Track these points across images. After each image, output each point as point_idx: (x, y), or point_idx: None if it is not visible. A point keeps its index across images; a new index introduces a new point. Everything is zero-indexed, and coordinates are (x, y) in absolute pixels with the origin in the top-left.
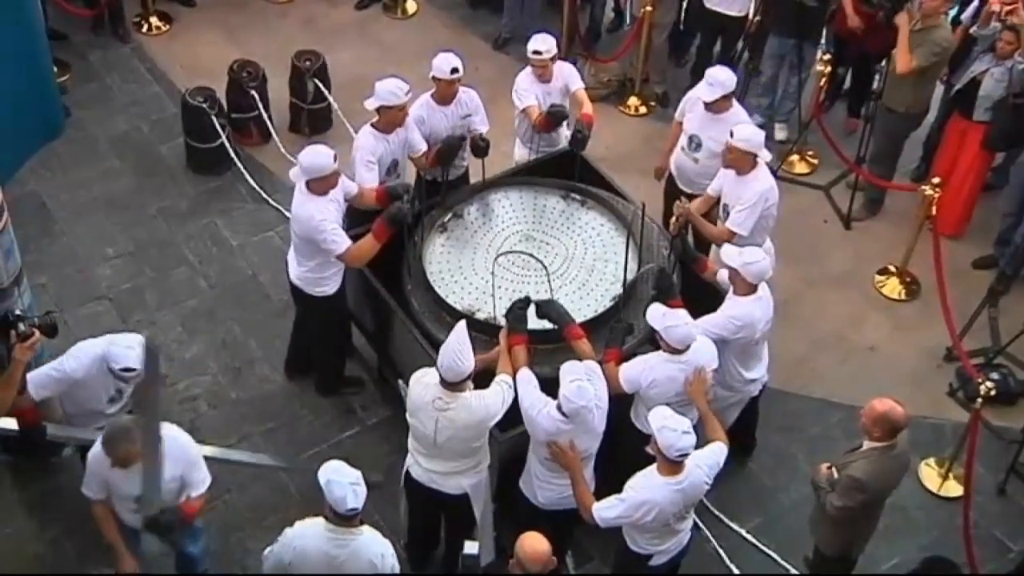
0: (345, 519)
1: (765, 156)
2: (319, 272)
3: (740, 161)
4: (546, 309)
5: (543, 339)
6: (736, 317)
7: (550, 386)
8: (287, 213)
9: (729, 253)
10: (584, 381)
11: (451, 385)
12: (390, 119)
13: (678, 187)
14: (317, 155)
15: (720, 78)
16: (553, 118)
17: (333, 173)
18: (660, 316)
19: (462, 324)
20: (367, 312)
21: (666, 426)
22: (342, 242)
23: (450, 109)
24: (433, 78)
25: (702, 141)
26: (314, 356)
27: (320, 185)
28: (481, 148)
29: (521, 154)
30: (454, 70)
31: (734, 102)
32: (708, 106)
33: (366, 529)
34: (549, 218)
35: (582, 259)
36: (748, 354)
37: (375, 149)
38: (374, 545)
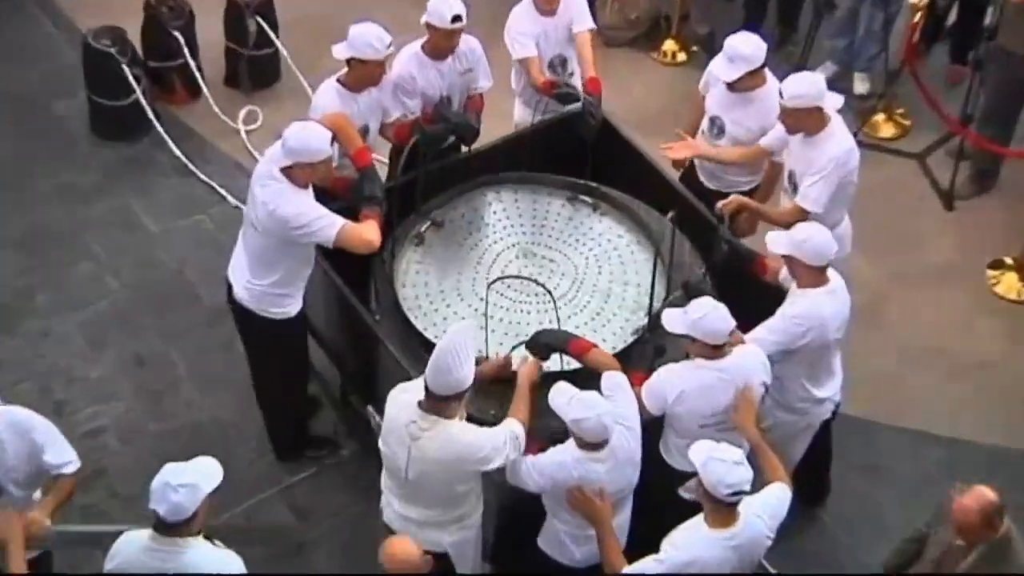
0: (169, 528)
1: (834, 102)
2: (282, 286)
3: (803, 121)
4: (536, 342)
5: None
6: (800, 316)
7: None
8: (222, 191)
9: (775, 239)
10: (579, 393)
11: (436, 402)
12: (363, 75)
13: (699, 182)
14: (311, 135)
15: (742, 51)
16: (561, 101)
17: (327, 160)
18: (685, 312)
19: (468, 324)
20: (329, 322)
21: (712, 456)
22: (333, 220)
23: (446, 64)
24: (427, 25)
25: (725, 125)
26: (265, 403)
27: (307, 174)
28: (469, 132)
29: (523, 116)
30: (456, 18)
31: (767, 76)
32: (731, 86)
33: (197, 541)
34: (553, 227)
35: (595, 281)
36: (818, 365)
37: (340, 112)
38: (209, 560)
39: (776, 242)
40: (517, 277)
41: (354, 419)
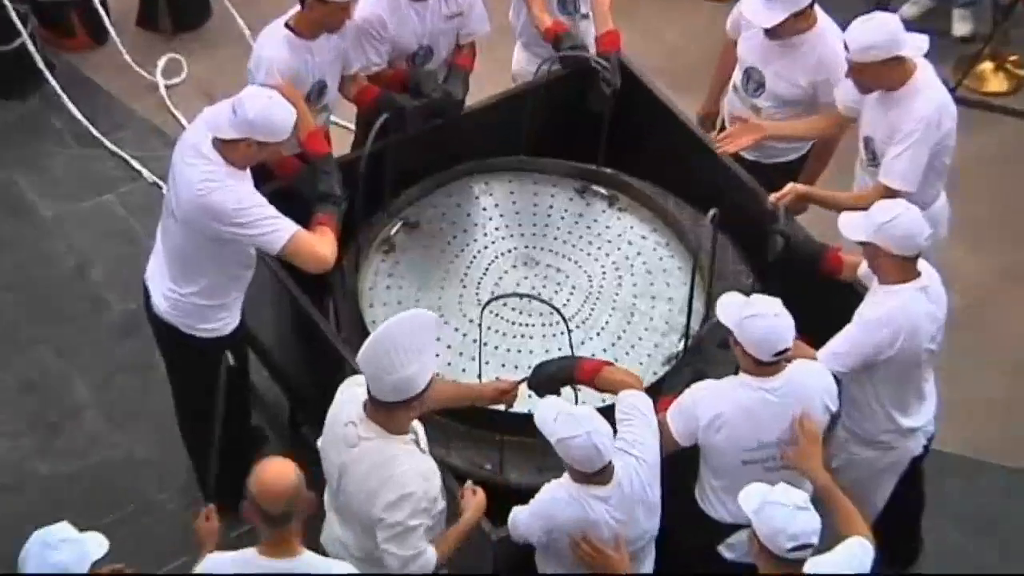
0: None
1: (917, 45)
2: (212, 295)
3: (880, 77)
4: (539, 378)
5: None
6: (883, 320)
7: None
8: (135, 164)
9: (851, 222)
10: (571, 409)
11: (376, 408)
12: (321, 19)
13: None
14: (277, 108)
15: None
16: (564, 65)
17: (284, 143)
18: (734, 305)
19: (419, 312)
20: (278, 338)
21: (769, 500)
22: (283, 225)
23: (428, 6)
24: None
25: (764, 79)
26: (193, 439)
27: (252, 154)
28: (453, 109)
29: (523, 64)
30: None
31: (817, 13)
32: (770, 32)
33: None
34: (560, 228)
35: (615, 296)
36: (905, 385)
37: (289, 64)
38: None
39: (852, 226)
40: (516, 295)
41: (307, 456)
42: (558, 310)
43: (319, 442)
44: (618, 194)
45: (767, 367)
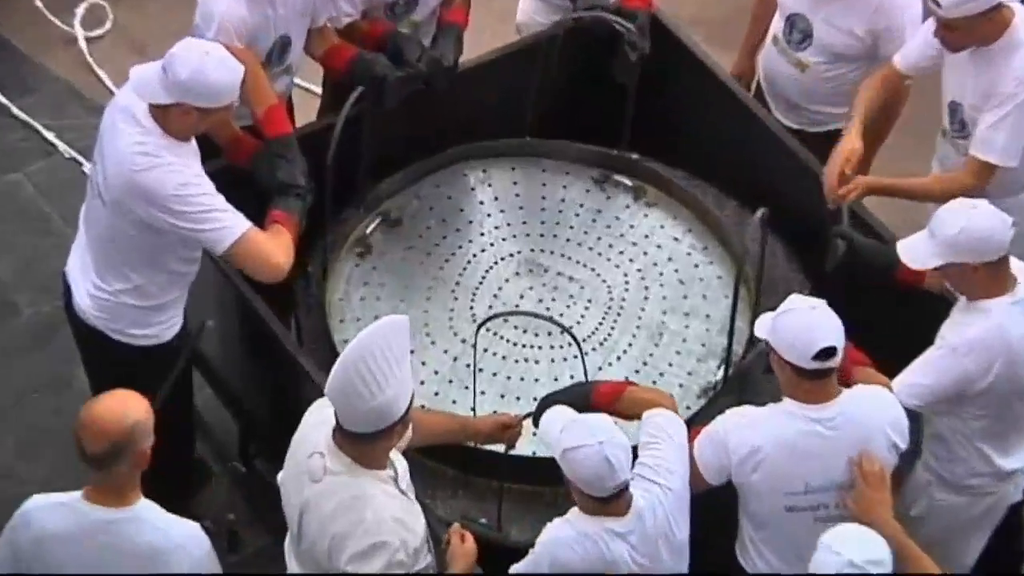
0: None
1: None
2: (147, 295)
3: (974, 30)
4: (544, 410)
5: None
6: (972, 343)
7: None
8: (49, 136)
9: (914, 249)
10: (582, 418)
11: (347, 439)
12: None
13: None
14: (218, 65)
15: None
16: (577, 23)
17: (229, 107)
18: (770, 315)
19: (394, 320)
20: (229, 352)
21: (830, 547)
22: (234, 221)
23: None
24: None
25: (812, 28)
26: None
27: (191, 122)
28: (443, 77)
29: (531, 13)
30: None
31: None
32: None
33: None
34: (573, 225)
35: (640, 312)
36: (1003, 419)
37: (246, 19)
38: None
39: (917, 253)
40: (519, 313)
41: (261, 495)
42: (569, 331)
43: (279, 476)
44: (646, 185)
45: (815, 388)
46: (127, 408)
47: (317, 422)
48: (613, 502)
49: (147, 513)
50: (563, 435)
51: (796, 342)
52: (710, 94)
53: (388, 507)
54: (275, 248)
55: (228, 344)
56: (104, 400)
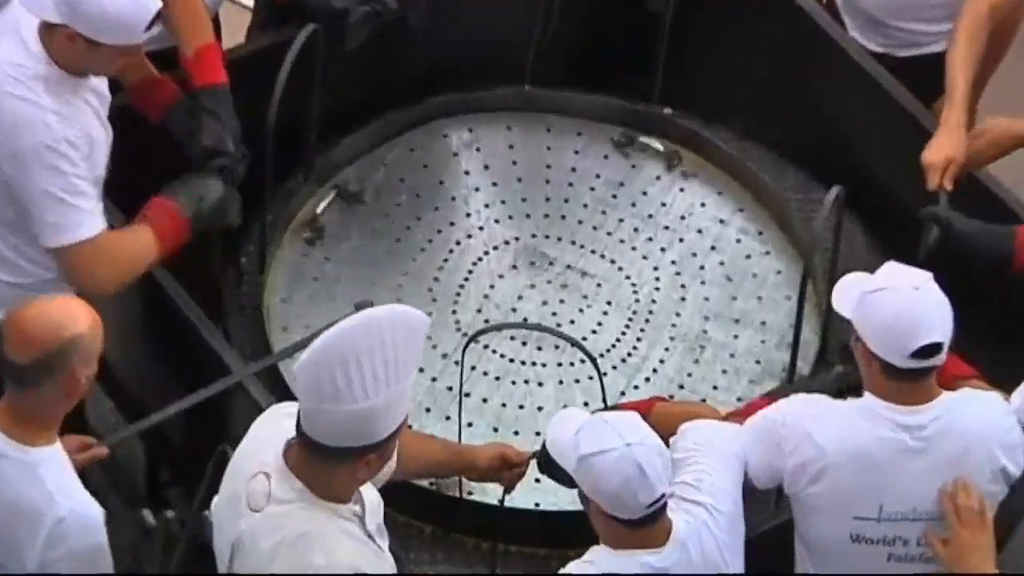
0: None
1: None
2: (25, 274)
3: None
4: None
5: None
6: None
7: None
8: None
9: None
10: (599, 418)
11: (310, 455)
12: None
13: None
14: None
15: None
16: None
17: (135, 47)
18: (854, 285)
19: (421, 316)
20: (131, 355)
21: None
22: (86, 222)
23: None
24: None
25: None
26: None
27: (74, 52)
28: (417, 7)
29: None
30: None
31: None
32: None
33: None
34: (587, 202)
35: (673, 317)
36: None
37: None
38: None
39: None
40: (515, 326)
41: (174, 535)
42: (581, 346)
43: (213, 503)
44: (682, 150)
45: (908, 390)
46: (69, 316)
47: (269, 434)
48: (647, 528)
49: (49, 465)
50: (580, 437)
51: (891, 333)
52: (766, 16)
53: (345, 552)
54: (111, 255)
55: (127, 337)
56: (44, 303)
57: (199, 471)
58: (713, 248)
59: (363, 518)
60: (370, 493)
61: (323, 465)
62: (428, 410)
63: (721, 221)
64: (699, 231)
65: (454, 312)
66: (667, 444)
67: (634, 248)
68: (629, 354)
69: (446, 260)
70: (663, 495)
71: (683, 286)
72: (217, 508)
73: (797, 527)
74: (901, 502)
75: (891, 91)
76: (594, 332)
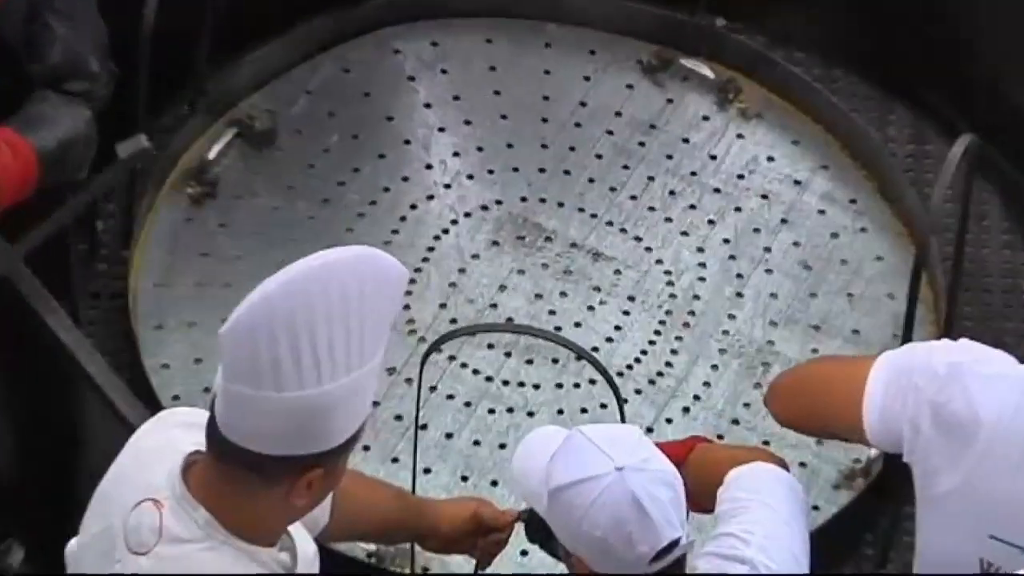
0: None
1: None
2: None
3: None
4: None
5: None
6: None
7: None
8: None
9: None
10: (579, 435)
11: (226, 472)
12: None
13: None
14: None
15: None
16: None
17: None
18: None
19: (398, 265)
20: None
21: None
22: None
23: None
24: None
25: None
26: None
27: None
28: None
29: None
30: None
31: None
32: None
33: None
34: (603, 153)
35: (724, 321)
36: None
37: None
38: None
39: None
40: (495, 328)
41: None
42: (591, 358)
43: (69, 546)
44: (740, 78)
45: None
46: None
47: (156, 449)
48: None
49: None
50: (555, 464)
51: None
52: None
53: None
54: None
55: None
56: None
57: (41, 519)
58: (784, 222)
59: (290, 571)
60: (303, 541)
61: (242, 485)
62: (367, 448)
63: (796, 183)
64: (763, 197)
65: (407, 308)
66: (708, 504)
67: (669, 219)
68: (660, 373)
69: (396, 232)
70: (675, 542)
71: (739, 276)
72: (77, 553)
73: (918, 530)
74: None
75: None
76: (610, 340)
